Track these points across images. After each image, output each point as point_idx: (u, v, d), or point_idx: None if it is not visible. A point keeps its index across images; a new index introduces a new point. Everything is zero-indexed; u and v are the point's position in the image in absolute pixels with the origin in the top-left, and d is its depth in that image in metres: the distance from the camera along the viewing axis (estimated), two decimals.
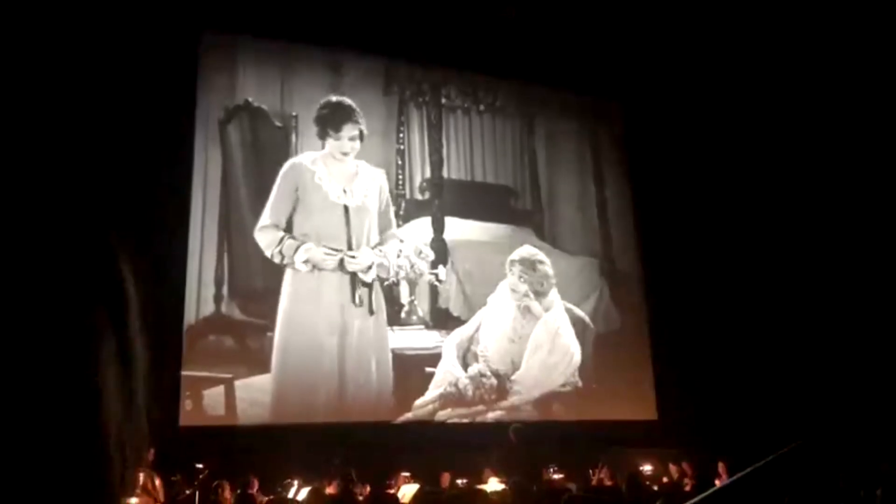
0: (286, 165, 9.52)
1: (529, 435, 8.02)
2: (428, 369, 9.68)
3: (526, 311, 10.32)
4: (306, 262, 9.17)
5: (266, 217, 9.23)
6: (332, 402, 9.08)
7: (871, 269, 9.45)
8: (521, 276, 10.36)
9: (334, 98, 9.93)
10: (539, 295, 10.40)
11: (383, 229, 9.77)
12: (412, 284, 9.84)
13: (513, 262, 10.39)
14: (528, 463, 7.68)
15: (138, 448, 0.49)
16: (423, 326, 9.79)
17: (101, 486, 0.45)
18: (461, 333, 9.99)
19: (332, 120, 9.76)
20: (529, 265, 10.45)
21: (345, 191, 9.55)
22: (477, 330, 10.06)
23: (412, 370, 9.59)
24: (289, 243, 9.15)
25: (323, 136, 9.70)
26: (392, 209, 9.95)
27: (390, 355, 9.47)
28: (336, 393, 9.12)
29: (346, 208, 9.52)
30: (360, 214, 9.59)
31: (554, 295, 10.50)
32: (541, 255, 10.60)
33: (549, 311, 10.40)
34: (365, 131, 9.87)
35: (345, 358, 9.22)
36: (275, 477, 7.70)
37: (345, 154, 9.69)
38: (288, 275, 9.15)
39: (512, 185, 11.16)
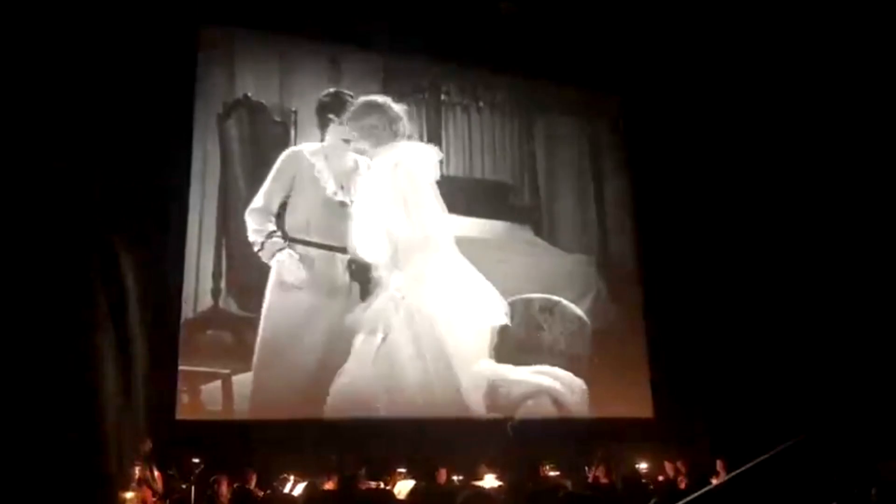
0: (285, 153, 9.52)
1: (526, 431, 8.04)
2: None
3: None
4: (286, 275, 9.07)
5: (259, 199, 9.19)
6: (329, 398, 9.07)
7: (870, 267, 9.45)
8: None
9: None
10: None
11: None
12: None
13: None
14: (525, 459, 7.70)
15: (135, 441, 0.49)
16: None
17: (98, 478, 0.45)
18: None
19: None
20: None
21: (342, 186, 9.52)
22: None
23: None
24: (274, 241, 9.07)
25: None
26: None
27: None
28: (333, 389, 9.10)
29: (341, 204, 9.49)
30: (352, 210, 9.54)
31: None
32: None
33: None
34: None
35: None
36: (271, 472, 7.72)
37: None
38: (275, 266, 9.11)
39: (510, 181, 11.13)
